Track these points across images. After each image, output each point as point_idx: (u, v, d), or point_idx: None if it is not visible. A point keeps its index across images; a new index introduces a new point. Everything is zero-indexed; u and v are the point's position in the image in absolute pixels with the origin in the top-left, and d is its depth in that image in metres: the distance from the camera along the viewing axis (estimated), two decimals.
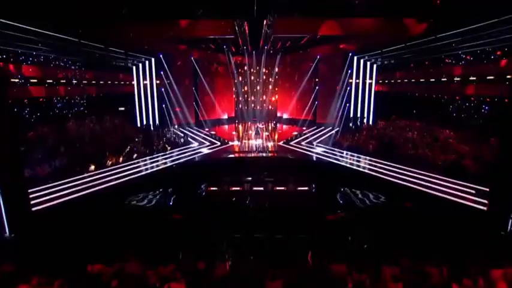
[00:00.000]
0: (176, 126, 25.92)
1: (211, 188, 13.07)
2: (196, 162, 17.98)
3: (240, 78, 32.17)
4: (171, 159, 18.90)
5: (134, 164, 17.63)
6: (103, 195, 12.53)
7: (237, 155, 19.71)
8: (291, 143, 22.93)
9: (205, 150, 20.87)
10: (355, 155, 19.38)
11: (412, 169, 15.30)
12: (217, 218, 10.87)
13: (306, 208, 11.56)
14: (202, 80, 28.98)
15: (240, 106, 32.39)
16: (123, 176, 14.68)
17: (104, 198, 12.45)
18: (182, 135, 23.70)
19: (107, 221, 10.20)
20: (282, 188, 13.14)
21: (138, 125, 26.30)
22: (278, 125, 29.78)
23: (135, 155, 19.10)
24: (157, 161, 18.43)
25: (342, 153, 20.23)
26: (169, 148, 21.18)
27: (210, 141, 23.45)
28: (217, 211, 11.33)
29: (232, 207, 11.51)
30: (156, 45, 24.22)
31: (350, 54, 26.32)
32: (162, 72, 26.80)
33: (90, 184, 13.55)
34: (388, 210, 13.16)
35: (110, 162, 17.75)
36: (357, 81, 27.96)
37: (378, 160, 17.38)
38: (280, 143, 23.05)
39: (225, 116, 31.56)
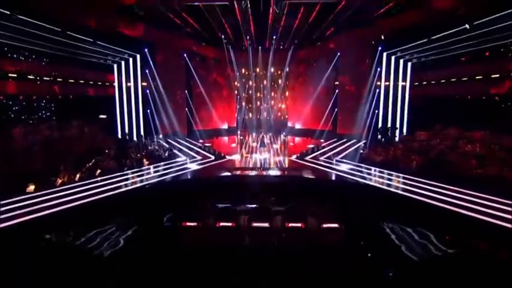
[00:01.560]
0: (161, 136, 21.95)
1: (188, 223, 8.93)
2: (173, 183, 13.90)
3: (244, 81, 28.38)
4: (146, 177, 14.86)
5: (93, 183, 13.62)
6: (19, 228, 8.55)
7: (235, 172, 15.60)
8: (307, 158, 18.77)
9: (193, 166, 16.83)
10: (393, 174, 15.09)
11: (480, 194, 11.07)
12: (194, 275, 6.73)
13: (335, 262, 7.34)
14: (197, 81, 25.32)
15: (243, 114, 28.54)
16: (64, 202, 10.64)
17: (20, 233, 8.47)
18: (167, 147, 19.73)
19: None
20: (298, 225, 8.94)
21: (120, 134, 22.53)
22: (289, 136, 25.74)
23: (98, 171, 15.11)
24: (127, 179, 14.38)
25: (374, 171, 15.97)
26: (146, 163, 17.18)
27: (202, 155, 19.46)
28: (195, 262, 7.17)
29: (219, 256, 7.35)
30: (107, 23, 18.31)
31: (379, 48, 22.37)
32: (147, 71, 23.16)
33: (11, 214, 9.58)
34: (462, 258, 8.82)
35: (61, 181, 13.78)
36: (386, 83, 23.95)
37: (427, 181, 13.13)
38: (293, 158, 18.92)
39: (225, 126, 27.70)
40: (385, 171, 15.72)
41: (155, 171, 15.90)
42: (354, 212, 10.14)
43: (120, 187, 13.09)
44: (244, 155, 19.91)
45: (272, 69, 28.30)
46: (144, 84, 23.96)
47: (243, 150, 21.27)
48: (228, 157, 19.24)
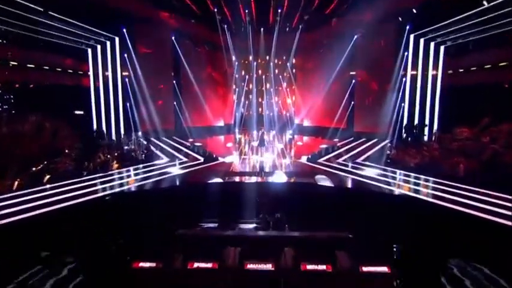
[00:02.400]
0: (140, 134, 18.58)
1: (142, 264, 5.55)
2: (140, 194, 10.55)
3: (243, 73, 24.78)
4: (108, 184, 11.51)
5: (31, 193, 10.28)
6: None
7: (227, 179, 12.25)
8: (320, 161, 15.39)
9: (174, 171, 13.46)
10: (440, 181, 11.69)
11: None
12: None
13: None
14: (187, 70, 21.97)
15: (242, 110, 25.47)
16: None
17: None
18: (148, 146, 16.36)
19: None
20: (321, 267, 5.55)
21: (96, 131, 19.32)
22: (296, 136, 22.40)
23: (46, 177, 11.77)
24: (82, 187, 11.01)
25: (413, 178, 12.58)
26: (115, 166, 13.83)
27: (190, 157, 16.15)
28: None
29: None
30: None
31: (407, 27, 18.99)
32: (126, 56, 19.89)
33: None
34: None
35: None
36: (413, 72, 20.58)
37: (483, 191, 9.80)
38: (302, 161, 15.51)
39: (220, 123, 24.38)
40: (430, 178, 12.27)
41: (122, 177, 12.53)
42: (406, 243, 6.69)
43: (66, 199, 9.71)
44: (242, 156, 16.53)
45: (276, 57, 24.88)
46: (126, 74, 20.70)
47: (242, 149, 17.91)
48: (221, 159, 15.88)
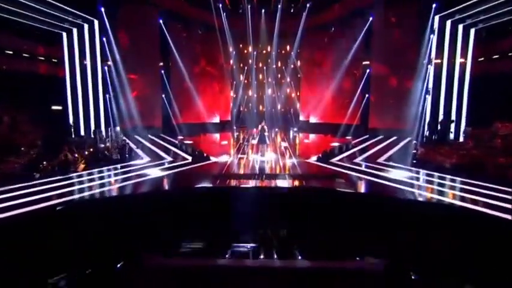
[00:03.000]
0: (118, 129, 16.17)
1: None
2: (98, 202, 8.12)
3: (241, 64, 22.65)
4: (64, 190, 9.06)
5: None
6: None
7: (218, 183, 9.82)
8: (333, 161, 12.97)
9: (154, 173, 11.02)
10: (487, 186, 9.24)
11: None
12: None
13: None
14: (177, 58, 19.63)
15: (241, 105, 23.77)
16: None
17: None
18: (124, 144, 13.91)
19: None
20: None
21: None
22: (300, 134, 20.10)
23: None
24: (26, 194, 8.57)
25: (452, 181, 10.13)
26: (81, 167, 11.40)
27: (175, 156, 13.79)
28: None
29: None
30: None
31: (433, 5, 16.65)
32: (104, 39, 17.56)
33: None
34: None
35: None
36: (437, 61, 18.29)
37: None
38: (311, 161, 13.08)
39: (215, 120, 22.00)
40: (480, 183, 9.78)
41: (82, 181, 10.08)
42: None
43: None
44: (238, 155, 14.09)
45: (279, 46, 22.69)
46: (106, 62, 18.40)
47: (240, 147, 15.50)
48: (213, 159, 13.42)
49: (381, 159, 13.27)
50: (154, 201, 8.76)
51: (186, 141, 17.06)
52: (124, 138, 15.60)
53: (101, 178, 10.43)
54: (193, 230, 7.93)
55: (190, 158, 13.44)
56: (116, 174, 11.07)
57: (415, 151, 13.90)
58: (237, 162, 13.04)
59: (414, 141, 15.19)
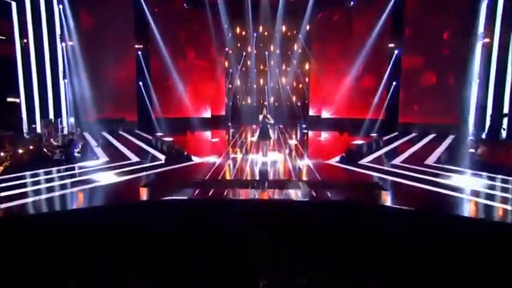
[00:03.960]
0: (72, 122, 13.01)
1: None
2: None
3: (239, 45, 20.45)
4: None
5: None
6: None
7: (197, 194, 6.54)
8: (362, 162, 9.82)
9: (103, 179, 7.78)
10: None
11: None
12: None
13: None
14: (158, 39, 16.62)
15: (237, 97, 20.93)
16: None
17: None
18: (71, 141, 10.69)
19: None
20: None
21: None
22: (310, 131, 17.19)
23: None
24: None
25: None
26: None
27: (146, 156, 10.58)
28: None
29: None
30: None
31: None
32: (60, 7, 14.58)
33: None
34: None
35: None
36: (486, 40, 15.35)
37: None
38: (332, 162, 9.87)
39: (206, 114, 18.85)
40: None
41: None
42: None
43: None
44: (232, 155, 10.87)
45: (284, 26, 19.81)
46: (71, 43, 15.54)
47: (239, 145, 12.39)
48: (197, 159, 10.21)
49: (429, 161, 10.04)
50: (83, 224, 5.52)
51: (167, 138, 13.93)
52: (80, 133, 12.43)
53: (15, 187, 7.13)
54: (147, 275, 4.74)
55: (163, 159, 10.15)
56: (47, 180, 7.82)
57: (473, 150, 10.72)
58: (228, 164, 9.78)
59: (470, 138, 12.07)
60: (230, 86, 20.74)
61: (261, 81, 21.24)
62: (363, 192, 7.17)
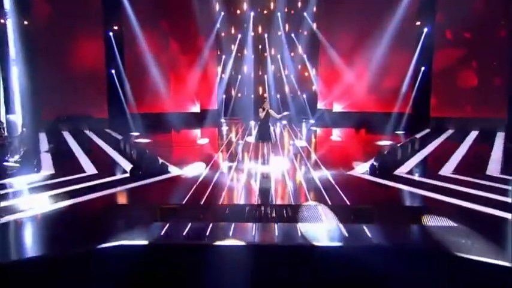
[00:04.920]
0: (12, 120, 10.70)
1: None
2: None
3: (233, 30, 18.34)
4: None
5: None
6: None
7: (163, 234, 4.37)
8: (401, 173, 7.51)
9: (36, 205, 5.43)
10: None
11: None
12: None
13: None
14: (132, 17, 14.48)
15: (232, 89, 18.76)
16: None
17: None
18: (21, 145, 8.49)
19: None
20: None
21: None
22: (317, 128, 15.32)
23: None
24: None
25: None
26: None
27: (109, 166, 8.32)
28: None
29: None
30: None
31: None
32: None
33: None
34: None
35: None
36: None
37: None
38: (358, 173, 7.56)
39: (195, 108, 16.62)
40: None
41: None
42: None
43: None
44: (228, 162, 8.64)
45: (287, 4, 18.08)
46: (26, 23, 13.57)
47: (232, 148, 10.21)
48: (175, 170, 7.92)
49: (492, 171, 7.79)
50: None
51: (138, 140, 11.67)
52: (25, 135, 10.15)
53: None
54: None
55: (130, 170, 7.83)
56: None
57: None
58: (217, 178, 7.47)
59: None
60: (223, 75, 18.42)
61: (260, 69, 18.88)
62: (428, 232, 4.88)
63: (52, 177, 7.56)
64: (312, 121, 17.01)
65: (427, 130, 13.81)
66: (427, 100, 14.57)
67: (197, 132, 15.65)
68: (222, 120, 17.59)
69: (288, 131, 14.59)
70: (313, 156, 9.76)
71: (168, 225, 5.02)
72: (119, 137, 12.74)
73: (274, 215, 5.61)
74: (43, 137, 12.32)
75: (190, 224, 5.01)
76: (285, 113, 9.19)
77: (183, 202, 6.04)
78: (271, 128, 8.98)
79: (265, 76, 18.75)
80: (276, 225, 5.14)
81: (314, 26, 17.64)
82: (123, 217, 5.45)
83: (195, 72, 16.72)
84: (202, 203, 6.04)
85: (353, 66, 16.05)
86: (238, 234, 4.83)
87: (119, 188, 6.76)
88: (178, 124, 15.16)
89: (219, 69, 18.41)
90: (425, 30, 14.57)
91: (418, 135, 12.46)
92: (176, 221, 5.30)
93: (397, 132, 13.70)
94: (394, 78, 15.16)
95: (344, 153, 10.75)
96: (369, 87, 15.64)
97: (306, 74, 18.61)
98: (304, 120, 17.28)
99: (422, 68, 14.73)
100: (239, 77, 18.68)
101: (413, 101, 14.91)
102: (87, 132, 13.62)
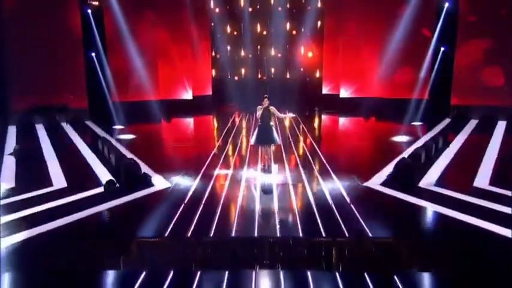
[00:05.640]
0: None
1: None
2: None
3: (228, 6, 17.19)
4: None
5: None
6: None
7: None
8: (428, 186, 6.59)
9: None
10: None
11: None
12: None
13: None
14: None
15: (227, 72, 17.36)
16: None
17: None
18: None
19: None
20: None
21: None
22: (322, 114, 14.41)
23: None
24: None
25: None
26: None
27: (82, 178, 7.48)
28: None
29: None
30: None
31: None
32: None
33: None
34: None
35: None
36: None
37: None
38: (376, 185, 6.59)
39: (186, 95, 15.48)
40: None
41: None
42: None
43: None
44: (222, 170, 7.63)
45: None
46: None
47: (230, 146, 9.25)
48: (159, 181, 6.90)
49: None
50: None
51: (122, 136, 10.62)
52: None
53: None
54: None
55: (104, 185, 6.76)
56: None
57: None
58: (208, 195, 6.45)
59: None
60: (218, 55, 17.16)
61: (259, 48, 17.54)
62: None
63: (10, 193, 6.51)
64: (316, 109, 15.93)
65: (447, 120, 12.65)
66: (448, 85, 13.37)
67: (189, 122, 14.57)
68: (217, 107, 16.44)
69: (290, 121, 13.47)
70: (322, 158, 8.68)
71: (144, 274, 4.04)
72: (99, 131, 11.65)
73: (279, 252, 4.65)
74: (13, 132, 11.24)
75: (172, 272, 4.05)
76: (290, 114, 8.07)
77: (166, 233, 5.03)
78: (274, 128, 7.88)
79: (265, 58, 17.49)
80: (281, 272, 4.14)
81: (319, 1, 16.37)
82: (84, 260, 4.43)
83: (187, 55, 15.46)
84: (189, 234, 5.05)
85: (364, 46, 14.89)
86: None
87: (87, 212, 5.69)
88: (168, 113, 14.12)
89: (213, 50, 17.12)
90: (446, 5, 13.24)
91: (438, 128, 11.38)
92: (156, 267, 4.32)
93: (413, 123, 12.58)
94: (411, 61, 13.96)
95: (355, 153, 9.69)
96: (381, 70, 14.46)
97: (310, 54, 17.34)
98: (307, 109, 16.08)
99: (442, 49, 13.51)
100: (235, 58, 17.40)
101: (432, 86, 13.75)
102: (64, 125, 12.50)
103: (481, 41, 12.89)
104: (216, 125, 14.73)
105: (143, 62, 13.91)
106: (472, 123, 12.15)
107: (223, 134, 11.69)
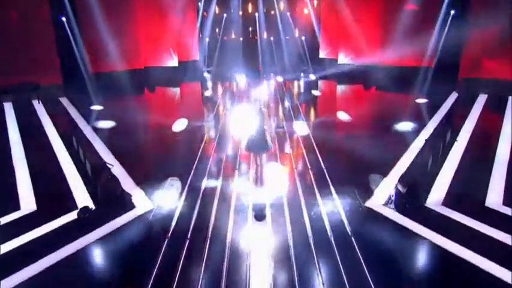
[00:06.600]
0: None
1: None
2: None
3: None
4: None
5: None
6: None
7: None
8: (435, 208, 6.15)
9: None
10: None
11: None
12: None
13: None
14: None
15: (216, 32, 16.49)
16: None
17: None
18: None
19: None
20: None
21: None
22: (318, 81, 14.45)
23: None
24: None
25: None
26: None
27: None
28: None
29: None
30: None
31: None
32: None
33: None
34: None
35: None
36: None
37: None
38: (379, 207, 6.20)
39: (171, 62, 14.41)
40: None
41: None
42: None
43: None
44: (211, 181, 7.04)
45: None
46: None
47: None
48: (142, 202, 6.37)
49: None
50: None
51: (100, 124, 9.83)
52: None
53: None
54: None
55: (78, 213, 6.09)
56: None
57: None
58: (194, 224, 5.84)
59: None
60: (205, 13, 15.80)
61: (250, 6, 16.18)
62: None
63: None
64: (312, 75, 14.93)
65: (455, 95, 11.84)
66: (456, 56, 12.38)
67: (175, 92, 13.56)
68: (205, 74, 15.37)
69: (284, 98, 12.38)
70: (320, 160, 7.88)
71: None
72: (74, 112, 10.65)
73: None
74: None
75: None
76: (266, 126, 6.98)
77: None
78: (267, 135, 7.11)
79: (257, 15, 16.09)
80: None
81: None
82: None
83: (171, 16, 14.06)
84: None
85: (361, 6, 13.68)
86: None
87: (55, 255, 4.98)
88: (152, 82, 13.13)
89: (201, 9, 15.66)
90: None
91: (444, 108, 10.57)
92: None
93: (417, 100, 11.72)
94: (416, 25, 12.83)
95: (356, 145, 8.75)
96: (384, 35, 13.35)
97: (306, 11, 15.99)
98: (303, 72, 15.04)
99: (452, 12, 12.33)
100: (224, 16, 16.02)
101: (439, 57, 12.78)
102: (35, 103, 11.44)
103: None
104: (208, 92, 13.68)
105: (122, 26, 12.65)
106: (481, 101, 11.21)
107: (215, 108, 10.79)
